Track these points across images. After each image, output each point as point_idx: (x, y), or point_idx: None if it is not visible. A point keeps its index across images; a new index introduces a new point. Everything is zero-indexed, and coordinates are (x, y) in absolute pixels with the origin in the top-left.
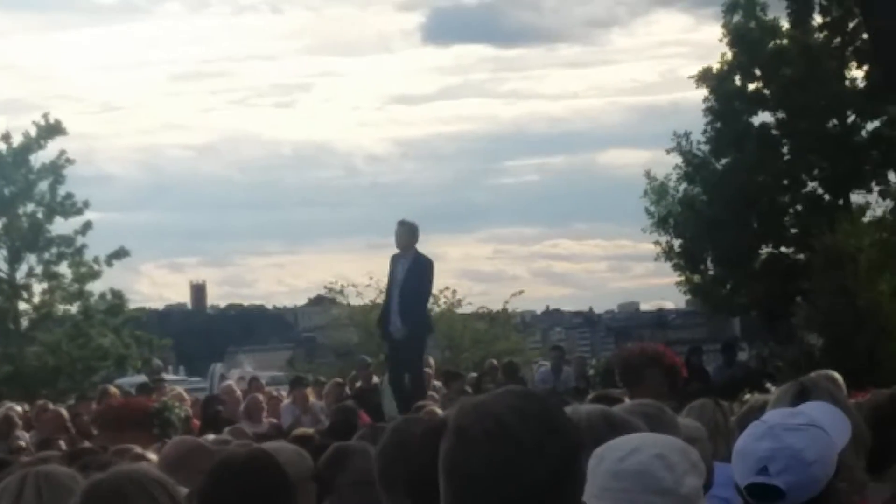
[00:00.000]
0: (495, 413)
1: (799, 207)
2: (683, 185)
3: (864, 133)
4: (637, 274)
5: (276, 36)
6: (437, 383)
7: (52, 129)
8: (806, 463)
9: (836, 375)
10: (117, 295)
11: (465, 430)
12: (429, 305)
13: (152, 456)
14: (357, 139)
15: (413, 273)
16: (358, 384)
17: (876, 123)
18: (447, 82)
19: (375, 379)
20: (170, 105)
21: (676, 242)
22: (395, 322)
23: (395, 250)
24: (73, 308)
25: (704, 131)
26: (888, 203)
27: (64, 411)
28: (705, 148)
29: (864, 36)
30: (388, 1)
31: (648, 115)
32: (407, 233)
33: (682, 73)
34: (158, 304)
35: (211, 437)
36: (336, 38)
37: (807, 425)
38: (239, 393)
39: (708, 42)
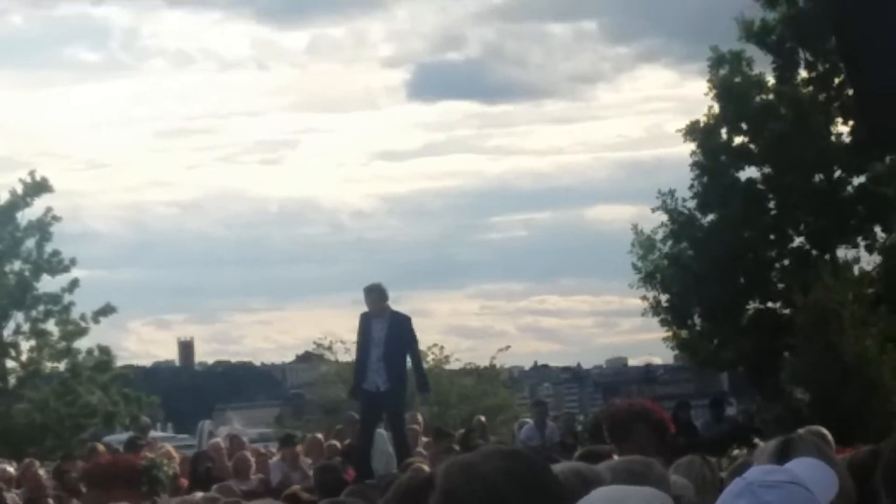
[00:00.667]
0: (483, 475)
1: (786, 262)
2: (670, 242)
3: (850, 188)
4: (624, 329)
5: (261, 92)
6: (426, 439)
7: (38, 187)
8: None
9: (824, 431)
10: (105, 352)
11: (452, 492)
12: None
13: None
14: (342, 195)
15: (394, 331)
16: (347, 441)
17: (862, 179)
18: (432, 138)
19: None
20: (155, 162)
21: (663, 297)
22: (373, 380)
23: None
24: (61, 365)
25: (691, 186)
26: (875, 258)
27: (42, 471)
28: (691, 204)
29: (850, 92)
30: (374, 58)
31: (634, 170)
32: (377, 298)
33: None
34: (146, 361)
35: (199, 494)
36: (321, 94)
37: (785, 482)
38: (226, 450)
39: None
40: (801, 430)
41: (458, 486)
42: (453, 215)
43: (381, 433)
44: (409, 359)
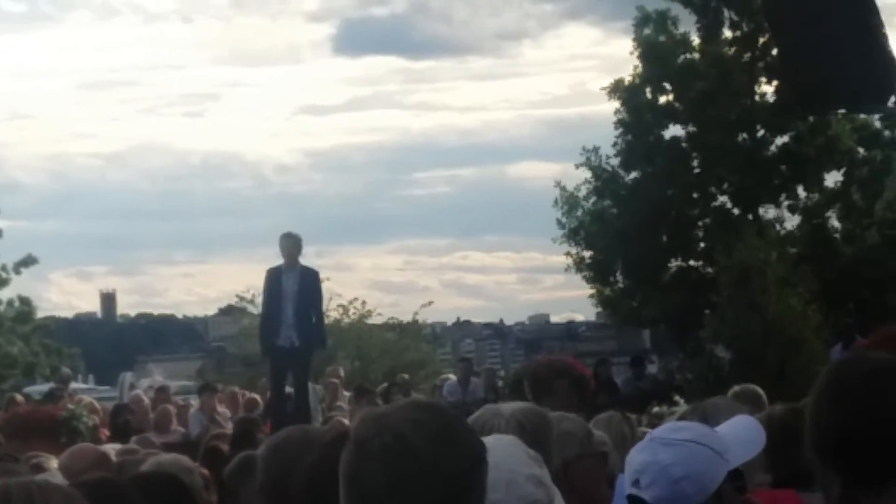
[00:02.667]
0: (394, 426)
1: (708, 221)
2: (593, 199)
3: (773, 148)
4: (547, 286)
5: (185, 45)
6: (347, 394)
7: None
8: (673, 479)
9: (759, 391)
10: (26, 302)
11: (363, 443)
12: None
13: (54, 463)
14: (266, 149)
15: (306, 286)
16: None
17: (785, 138)
18: (356, 93)
19: (288, 389)
20: (78, 113)
21: (587, 254)
22: (288, 335)
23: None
24: None
25: (615, 144)
26: (797, 218)
27: None
28: (615, 161)
29: (774, 52)
30: (299, 12)
31: (558, 127)
32: (295, 245)
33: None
34: (68, 313)
35: (115, 446)
36: (246, 48)
37: (685, 441)
38: (147, 402)
39: (617, 56)
40: (734, 388)
41: (369, 437)
42: (377, 170)
43: (313, 386)
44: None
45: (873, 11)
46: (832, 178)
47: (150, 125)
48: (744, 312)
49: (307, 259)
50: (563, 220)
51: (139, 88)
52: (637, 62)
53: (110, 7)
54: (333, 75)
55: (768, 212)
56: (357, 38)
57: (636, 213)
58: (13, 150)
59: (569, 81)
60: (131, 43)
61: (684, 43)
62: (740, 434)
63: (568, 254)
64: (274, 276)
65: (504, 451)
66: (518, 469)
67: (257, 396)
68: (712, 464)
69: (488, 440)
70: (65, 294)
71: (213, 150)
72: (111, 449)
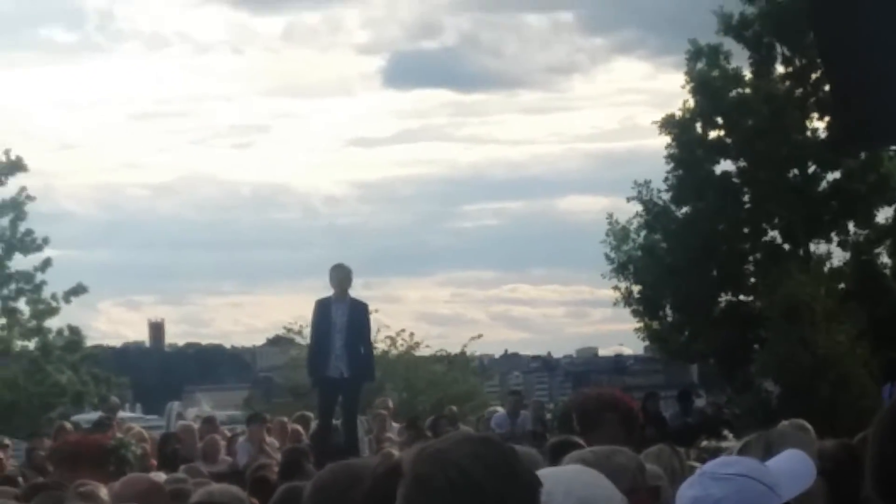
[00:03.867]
0: (456, 461)
1: (758, 256)
2: (644, 233)
3: (823, 184)
4: (595, 319)
5: (235, 77)
6: (396, 425)
7: (13, 166)
8: None
9: (806, 423)
10: (75, 332)
11: (426, 479)
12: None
13: (103, 492)
14: (315, 181)
15: (356, 317)
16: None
17: (836, 174)
18: (406, 126)
19: (335, 421)
20: (128, 144)
21: (636, 288)
22: (337, 366)
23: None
24: (31, 344)
25: (666, 178)
26: (847, 253)
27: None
28: (666, 196)
29: (826, 88)
30: (349, 44)
31: (607, 161)
32: (346, 276)
33: (641, 120)
34: (116, 342)
35: (163, 474)
36: (295, 80)
37: (736, 475)
38: (196, 431)
39: (667, 90)
40: (785, 423)
41: (432, 473)
42: (425, 203)
43: (360, 418)
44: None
45: None
46: (883, 215)
47: (200, 156)
48: (793, 347)
49: (355, 291)
50: (612, 254)
51: (188, 119)
52: (688, 96)
53: (161, 38)
54: (383, 108)
55: (819, 247)
56: (407, 71)
57: (686, 248)
58: (63, 181)
59: (618, 116)
60: (181, 74)
61: (736, 78)
62: (790, 468)
63: (616, 288)
64: (323, 307)
65: (584, 476)
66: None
67: (300, 427)
68: (764, 497)
69: (565, 469)
70: (113, 323)
71: (261, 181)
72: (160, 478)
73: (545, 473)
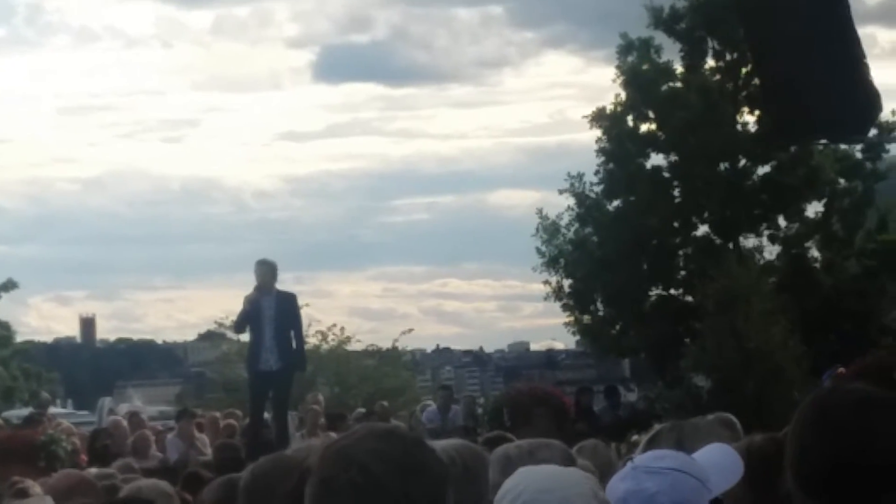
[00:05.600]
0: (358, 459)
1: (689, 250)
2: (575, 227)
3: (754, 177)
4: (526, 314)
5: (164, 70)
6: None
7: None
8: None
9: (732, 418)
10: (5, 327)
11: (329, 479)
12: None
13: (37, 489)
14: (245, 175)
15: (283, 310)
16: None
17: (766, 168)
18: (336, 120)
19: (266, 415)
20: (58, 138)
21: (566, 283)
22: (267, 359)
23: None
24: None
25: (597, 172)
26: (777, 248)
27: None
28: (598, 189)
29: (756, 81)
30: (279, 38)
31: (538, 155)
32: (270, 271)
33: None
34: (47, 337)
35: (94, 470)
36: (225, 73)
37: (670, 469)
38: (126, 427)
39: (597, 84)
40: (709, 416)
41: (335, 473)
42: (356, 197)
43: (290, 413)
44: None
45: (855, 42)
46: (813, 209)
47: (130, 150)
48: (725, 341)
49: (286, 285)
50: (543, 248)
51: (118, 113)
52: (619, 90)
53: (90, 32)
54: (313, 102)
55: (749, 241)
56: (337, 65)
57: (617, 242)
58: None
59: (548, 110)
60: (111, 68)
61: (667, 71)
62: (718, 462)
63: (547, 282)
64: (251, 302)
65: (561, 476)
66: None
67: (234, 422)
68: (696, 493)
69: (545, 468)
70: (44, 318)
71: (192, 175)
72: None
73: (520, 471)
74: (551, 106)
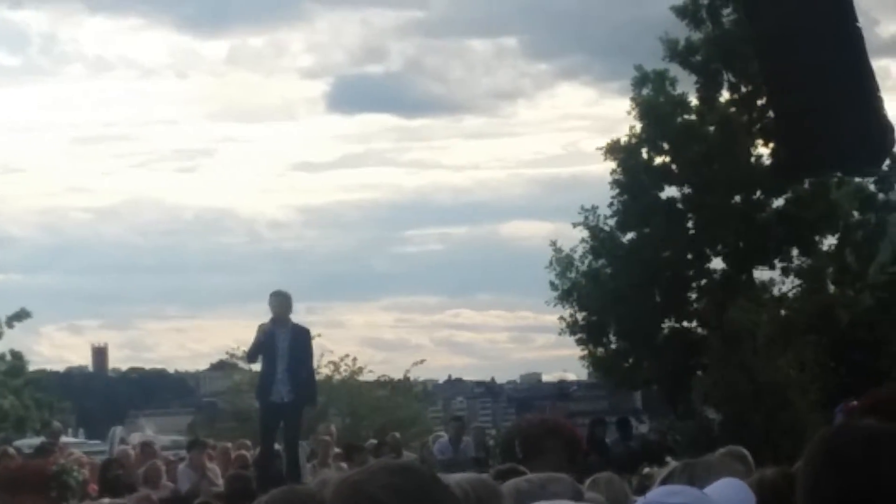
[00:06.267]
0: (370, 493)
1: (702, 282)
2: (589, 259)
3: (769, 210)
4: (539, 345)
5: (179, 101)
6: (338, 450)
7: None
8: None
9: (744, 451)
10: (17, 356)
11: None
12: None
13: None
14: (259, 205)
15: (297, 343)
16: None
17: (781, 201)
18: (350, 150)
19: (277, 446)
20: (72, 168)
21: (580, 316)
22: (279, 391)
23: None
24: None
25: (611, 204)
26: (791, 280)
27: None
28: (611, 222)
29: (771, 114)
30: (293, 68)
31: (551, 187)
32: (286, 303)
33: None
34: (59, 366)
35: (107, 500)
36: (240, 104)
37: None
38: (134, 457)
39: (610, 116)
40: (720, 451)
41: None
42: (370, 228)
43: (302, 444)
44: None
45: (869, 76)
46: (827, 242)
47: (144, 180)
48: (733, 374)
49: (298, 316)
50: (557, 281)
51: (132, 143)
52: (634, 122)
53: (104, 61)
54: (327, 132)
55: (763, 274)
56: (351, 96)
57: (631, 274)
58: (5, 204)
59: (562, 141)
60: (125, 98)
61: (682, 103)
62: (731, 497)
63: (561, 318)
64: (264, 334)
65: None
66: None
67: (246, 453)
68: None
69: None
70: (56, 348)
71: (206, 205)
72: None
73: None
74: (565, 137)
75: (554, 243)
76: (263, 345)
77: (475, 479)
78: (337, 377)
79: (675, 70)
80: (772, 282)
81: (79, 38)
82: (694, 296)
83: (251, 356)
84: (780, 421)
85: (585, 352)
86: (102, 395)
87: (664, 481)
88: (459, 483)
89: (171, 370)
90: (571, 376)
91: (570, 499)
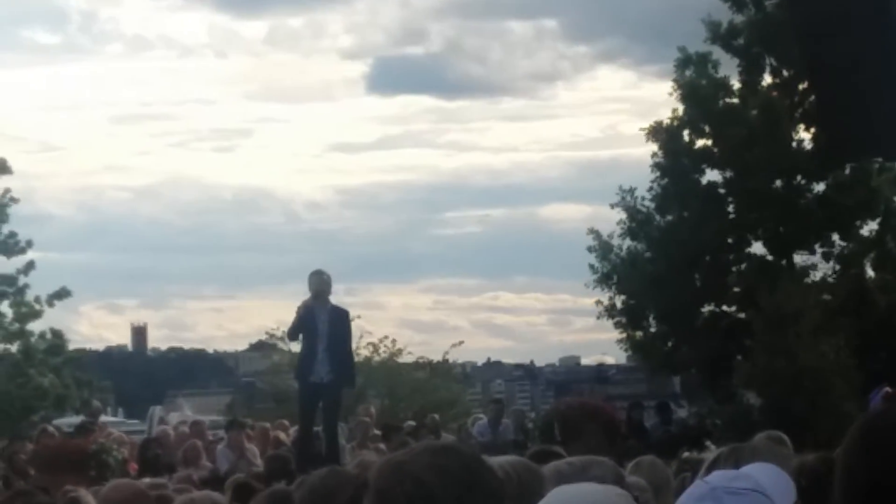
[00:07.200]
0: (414, 473)
1: (742, 266)
2: (626, 241)
3: (809, 195)
4: (577, 328)
5: (217, 80)
6: (377, 432)
7: None
8: None
9: (783, 436)
10: (58, 335)
11: (385, 491)
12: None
13: (90, 499)
14: (297, 186)
15: (336, 324)
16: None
17: (822, 186)
18: (388, 132)
19: (315, 427)
20: (110, 146)
21: (619, 299)
22: (318, 371)
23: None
24: (13, 347)
25: (650, 188)
26: (831, 265)
27: None
28: (650, 204)
29: (812, 99)
30: (333, 49)
31: (589, 170)
32: (327, 282)
33: (623, 129)
34: (99, 345)
35: (147, 480)
36: (278, 84)
37: (749, 489)
38: (174, 437)
39: (649, 99)
40: (760, 435)
41: (391, 485)
42: (408, 209)
43: (341, 425)
44: None
45: None
46: (867, 228)
47: (182, 159)
48: (776, 359)
49: (337, 297)
50: (597, 265)
51: (171, 122)
52: (676, 104)
53: (143, 40)
54: (366, 113)
55: (803, 258)
56: (390, 77)
57: (670, 257)
58: (45, 182)
59: (600, 124)
60: (164, 77)
61: (724, 87)
62: (775, 482)
63: (599, 301)
64: (307, 313)
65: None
66: None
67: (281, 434)
68: None
69: (578, 488)
70: (95, 327)
71: (243, 185)
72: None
73: (553, 493)
74: (603, 120)
75: (592, 229)
76: (304, 321)
77: (518, 461)
78: (376, 359)
79: (717, 53)
80: (812, 266)
81: (118, 16)
82: (733, 280)
83: (292, 334)
84: (821, 406)
85: (624, 335)
86: (142, 374)
87: (710, 466)
88: (502, 465)
89: (209, 350)
90: (610, 360)
91: (611, 482)
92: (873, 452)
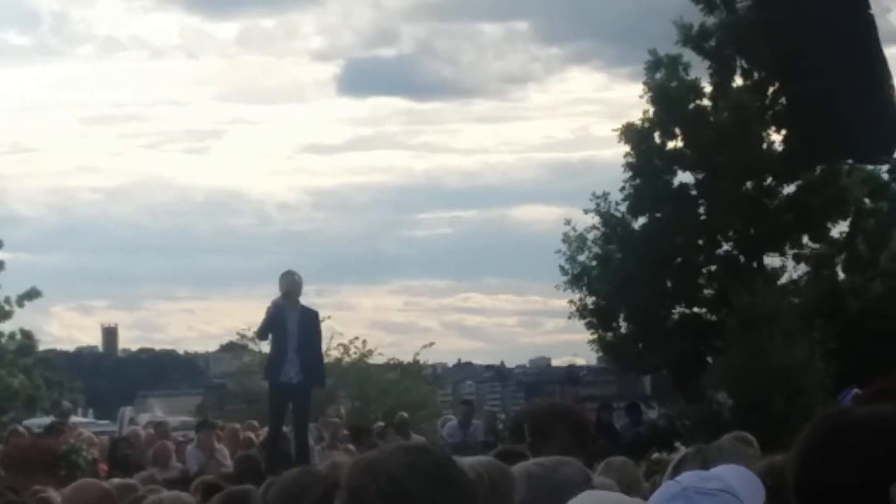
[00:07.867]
0: (388, 471)
1: (713, 268)
2: (600, 243)
3: (780, 197)
4: (548, 330)
5: (189, 82)
6: (345, 432)
7: None
8: None
9: (749, 436)
10: (28, 336)
11: (358, 490)
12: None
13: (59, 498)
14: (269, 187)
15: (306, 325)
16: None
17: (792, 188)
18: (360, 133)
19: (285, 428)
20: (81, 147)
21: (590, 300)
22: (288, 371)
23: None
24: None
25: (622, 188)
26: (801, 267)
27: None
28: (623, 206)
29: (784, 100)
30: (304, 51)
31: (561, 171)
32: (298, 283)
33: (595, 130)
34: (69, 346)
35: (116, 480)
36: (250, 85)
37: (719, 490)
38: (144, 437)
39: (621, 101)
40: (726, 436)
41: (364, 484)
42: (379, 211)
43: (312, 427)
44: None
45: (881, 64)
46: (837, 229)
47: (153, 161)
48: (748, 359)
49: (308, 298)
50: (567, 265)
51: (142, 124)
52: (647, 106)
53: (115, 42)
54: (337, 115)
55: (773, 260)
56: (362, 79)
57: (642, 259)
58: (16, 183)
59: (572, 126)
60: (135, 78)
61: (695, 89)
62: (744, 483)
63: (571, 301)
64: (277, 313)
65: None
66: None
67: (251, 435)
68: None
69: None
70: (66, 327)
71: (215, 186)
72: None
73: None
74: (575, 122)
75: (568, 221)
76: (274, 321)
77: (488, 462)
78: (346, 360)
79: (688, 55)
80: (783, 268)
81: (90, 18)
82: (704, 281)
83: (261, 333)
84: (793, 407)
85: (595, 336)
86: (112, 375)
87: (677, 466)
88: (473, 466)
89: (180, 351)
90: (581, 361)
91: (580, 483)
92: (837, 451)
